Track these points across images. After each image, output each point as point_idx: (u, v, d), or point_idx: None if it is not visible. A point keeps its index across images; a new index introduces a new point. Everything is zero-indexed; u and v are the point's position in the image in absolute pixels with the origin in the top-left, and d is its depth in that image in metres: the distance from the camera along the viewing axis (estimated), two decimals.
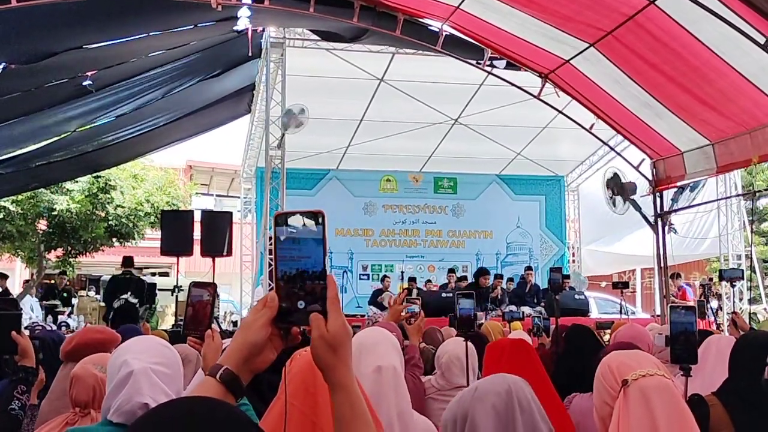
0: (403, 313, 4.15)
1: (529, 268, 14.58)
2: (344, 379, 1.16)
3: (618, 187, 11.31)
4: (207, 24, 9.64)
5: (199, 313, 2.29)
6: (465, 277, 14.48)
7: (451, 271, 14.38)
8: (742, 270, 11.10)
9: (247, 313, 1.18)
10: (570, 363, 3.61)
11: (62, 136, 11.49)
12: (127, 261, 11.08)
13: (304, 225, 1.15)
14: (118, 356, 2.07)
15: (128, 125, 12.13)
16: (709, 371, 2.89)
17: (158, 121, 12.58)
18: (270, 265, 11.43)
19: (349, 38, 10.40)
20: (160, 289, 11.86)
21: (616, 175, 11.46)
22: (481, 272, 13.11)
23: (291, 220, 1.15)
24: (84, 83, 9.47)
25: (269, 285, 11.30)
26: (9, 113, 9.77)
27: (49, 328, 9.66)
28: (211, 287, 2.30)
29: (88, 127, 11.54)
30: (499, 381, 1.65)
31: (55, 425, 2.40)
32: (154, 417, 0.97)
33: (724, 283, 13.19)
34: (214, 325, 2.53)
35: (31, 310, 15.96)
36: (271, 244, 11.41)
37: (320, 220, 1.15)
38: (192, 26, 9.55)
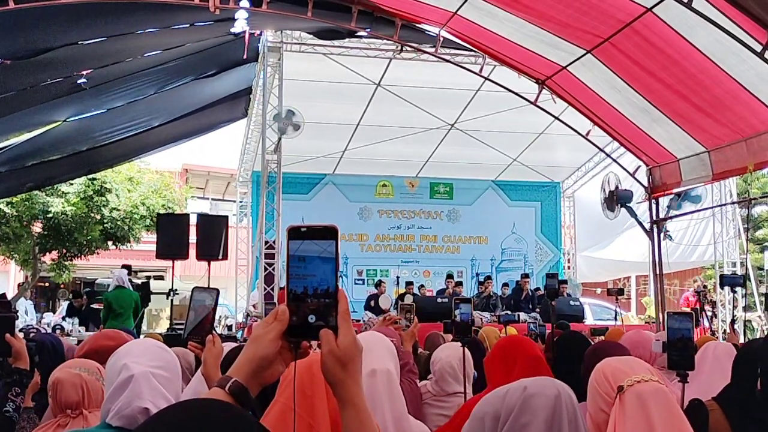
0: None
1: (526, 275, 14.54)
2: (353, 396, 1.15)
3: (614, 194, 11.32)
4: (204, 24, 9.62)
5: (200, 317, 2.28)
6: (461, 283, 14.47)
7: (450, 276, 14.37)
8: (744, 277, 11.10)
9: (257, 326, 1.17)
10: (561, 371, 3.61)
11: (52, 125, 11.33)
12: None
13: (317, 241, 1.13)
14: (117, 359, 2.06)
15: (123, 125, 12.06)
16: (705, 377, 2.89)
17: (153, 121, 12.54)
18: (265, 269, 11.42)
19: (346, 33, 10.36)
20: (154, 293, 11.80)
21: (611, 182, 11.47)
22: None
23: (304, 236, 1.13)
24: (79, 81, 9.44)
25: (264, 289, 11.29)
26: (4, 110, 9.72)
27: (43, 330, 9.64)
28: (214, 292, 2.30)
29: (80, 117, 11.41)
30: (549, 384, 1.66)
31: (48, 428, 2.39)
32: (159, 421, 0.96)
33: (719, 289, 13.23)
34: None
35: (26, 313, 15.90)
36: (267, 248, 11.41)
37: (333, 236, 1.13)
38: (189, 24, 9.54)
